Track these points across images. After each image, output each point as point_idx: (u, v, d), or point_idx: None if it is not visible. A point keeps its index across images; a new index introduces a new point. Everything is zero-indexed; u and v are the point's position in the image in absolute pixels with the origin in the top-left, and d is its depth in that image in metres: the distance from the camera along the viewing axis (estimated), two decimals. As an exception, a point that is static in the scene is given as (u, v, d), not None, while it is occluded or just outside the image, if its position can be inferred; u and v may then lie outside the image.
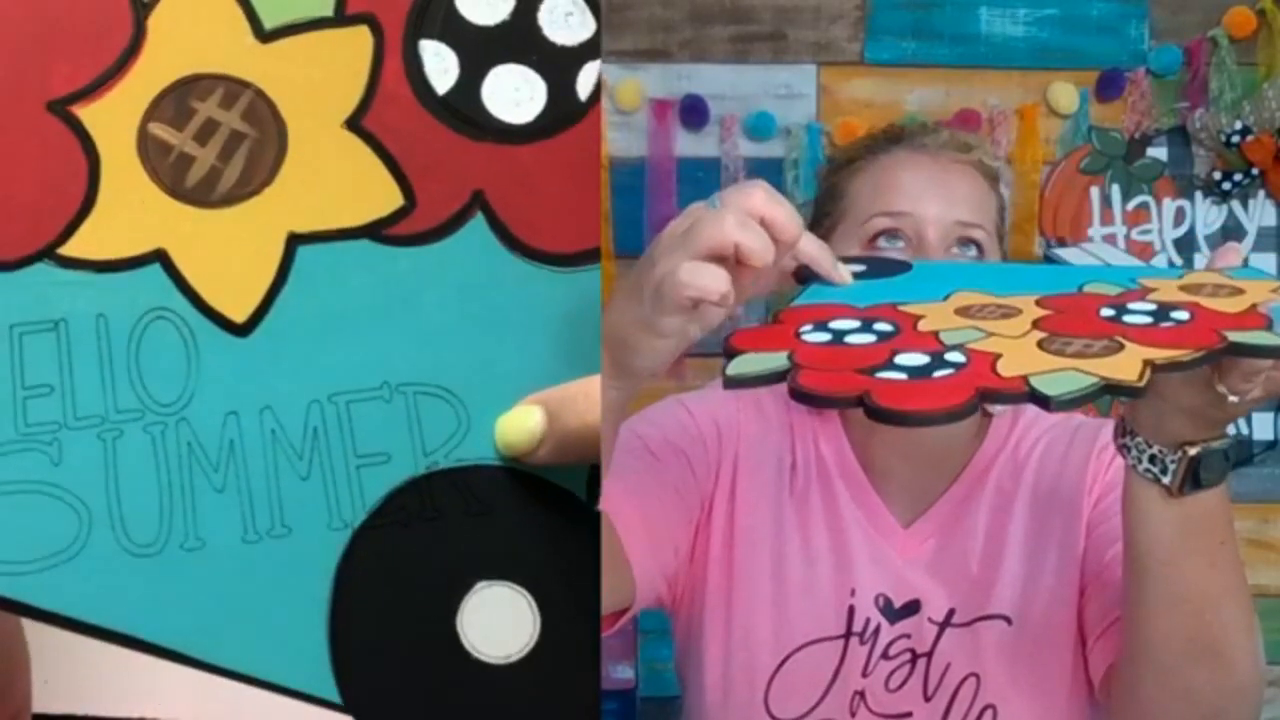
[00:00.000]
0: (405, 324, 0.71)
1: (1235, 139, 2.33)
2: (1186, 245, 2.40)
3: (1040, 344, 0.82)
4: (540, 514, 0.71)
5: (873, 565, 1.35)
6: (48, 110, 0.70)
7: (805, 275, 0.95)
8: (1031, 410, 1.37)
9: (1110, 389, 0.76)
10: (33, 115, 0.70)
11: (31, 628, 0.75)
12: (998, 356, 0.80)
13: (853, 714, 1.32)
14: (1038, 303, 0.90)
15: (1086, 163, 2.40)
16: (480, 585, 0.70)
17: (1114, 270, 0.99)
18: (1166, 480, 1.02)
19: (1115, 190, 2.41)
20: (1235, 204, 2.41)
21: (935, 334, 0.85)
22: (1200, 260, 2.38)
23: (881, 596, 1.34)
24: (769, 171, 2.32)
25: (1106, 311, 0.88)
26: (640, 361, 0.90)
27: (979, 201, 1.35)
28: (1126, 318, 0.86)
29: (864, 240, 1.32)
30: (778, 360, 0.81)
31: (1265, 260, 2.41)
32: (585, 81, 0.72)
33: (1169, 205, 2.41)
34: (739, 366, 0.82)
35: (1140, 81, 2.39)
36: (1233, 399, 0.95)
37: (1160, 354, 0.80)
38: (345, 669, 0.69)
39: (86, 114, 0.70)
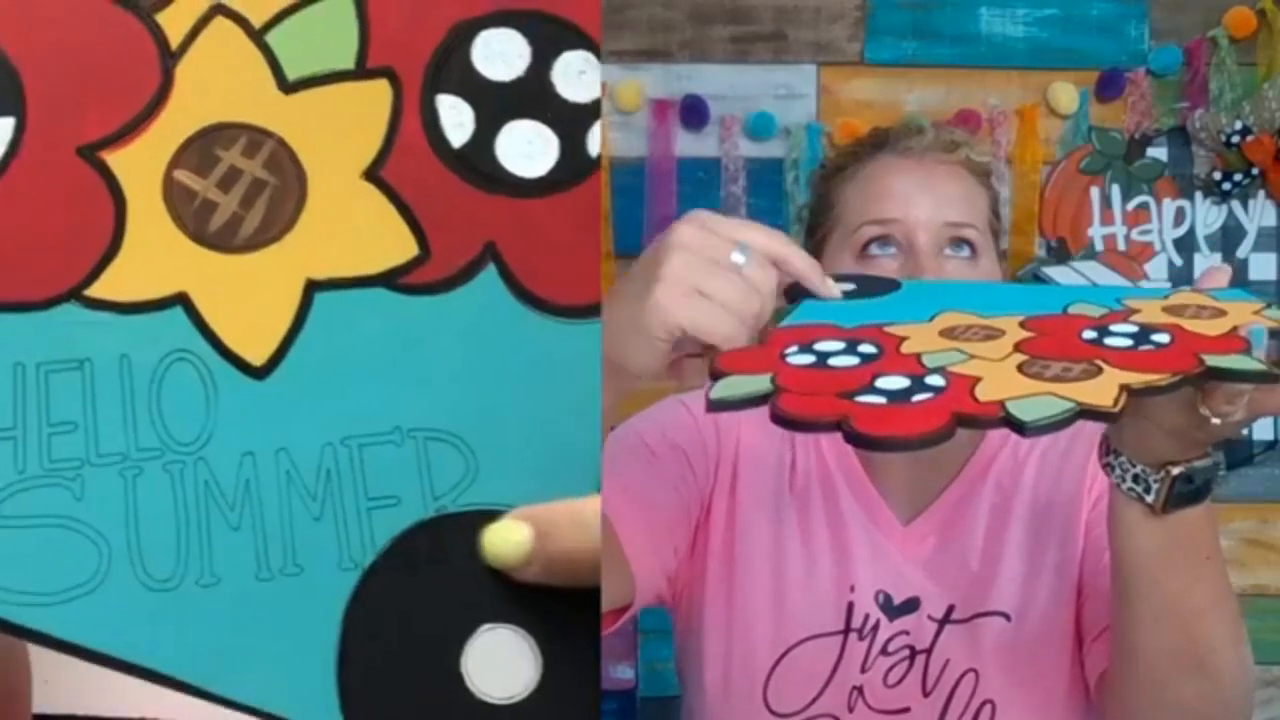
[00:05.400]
0: (417, 371, 0.73)
1: (1235, 139, 2.32)
2: (1186, 245, 2.39)
3: (1020, 367, 0.83)
4: None
5: (872, 562, 1.36)
6: (78, 155, 0.72)
7: (796, 293, 0.96)
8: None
9: (1085, 414, 0.77)
10: (63, 160, 0.72)
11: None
12: (977, 380, 0.81)
13: (851, 709, 1.33)
14: (1021, 324, 0.90)
15: (1086, 163, 2.40)
16: (484, 627, 0.72)
17: (1099, 290, 1.00)
18: (1150, 499, 1.03)
19: (1115, 190, 2.40)
20: (1235, 204, 2.40)
21: (917, 356, 0.85)
22: (1200, 260, 2.38)
23: (881, 593, 1.35)
24: (769, 172, 2.33)
25: (1088, 334, 0.88)
26: (632, 360, 0.92)
27: (968, 200, 1.35)
28: (1108, 340, 0.87)
29: (856, 248, 1.33)
30: (760, 384, 0.82)
31: (1265, 260, 2.40)
32: (595, 137, 0.75)
33: (1169, 205, 2.40)
34: (722, 390, 0.83)
35: (1140, 81, 2.39)
36: (1215, 421, 0.95)
37: (1137, 378, 0.80)
38: (353, 705, 0.71)
39: (114, 160, 0.73)
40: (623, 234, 2.28)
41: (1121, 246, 2.39)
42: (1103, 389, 0.79)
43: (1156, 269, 2.39)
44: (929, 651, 1.33)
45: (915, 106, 2.35)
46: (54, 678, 0.74)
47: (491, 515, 0.72)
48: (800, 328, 0.92)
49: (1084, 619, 1.31)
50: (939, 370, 0.83)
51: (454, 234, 0.74)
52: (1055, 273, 2.36)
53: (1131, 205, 2.41)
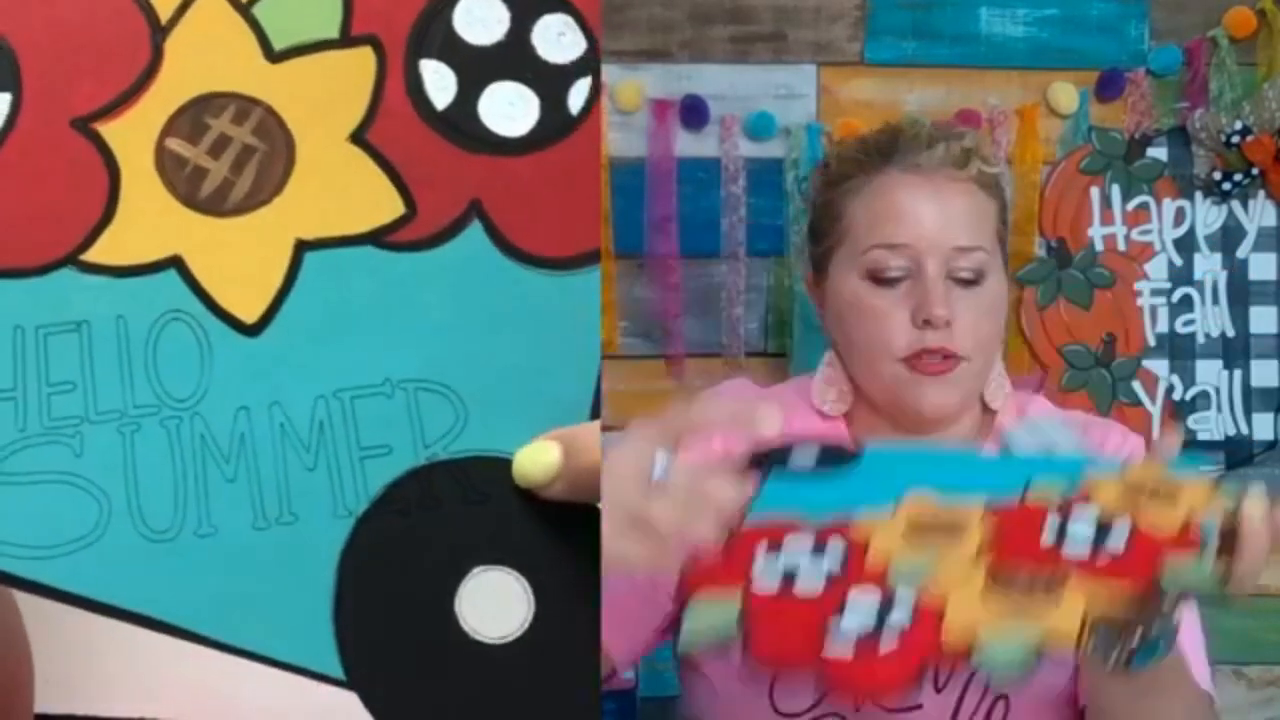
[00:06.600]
0: (406, 324, 0.75)
1: (1235, 139, 2.31)
2: (1186, 245, 2.38)
3: (986, 583, 0.90)
4: (533, 503, 0.74)
5: (879, 560, 1.36)
6: (72, 127, 0.75)
7: (760, 458, 0.99)
8: (1035, 406, 1.41)
9: (1049, 649, 0.86)
10: (58, 131, 0.75)
11: (33, 627, 0.78)
12: (943, 609, 0.88)
13: (859, 708, 1.32)
14: (983, 518, 0.96)
15: (1086, 163, 2.38)
16: (477, 570, 0.74)
17: (1059, 463, 1.04)
18: (1109, 663, 0.99)
19: (1115, 190, 2.38)
20: (1235, 204, 2.37)
21: (883, 572, 0.91)
22: (1200, 260, 2.38)
23: None
24: (769, 172, 2.31)
25: (1048, 538, 0.94)
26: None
27: (977, 219, 1.35)
28: (1067, 546, 0.93)
29: (863, 270, 1.33)
30: (729, 615, 0.89)
31: (1265, 260, 2.38)
32: (577, 96, 0.77)
33: (1169, 205, 2.38)
34: (691, 623, 0.90)
35: (1140, 81, 2.38)
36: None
37: (1097, 604, 0.88)
38: (349, 648, 0.73)
39: (108, 130, 0.75)
40: (623, 234, 2.25)
41: (1121, 246, 2.38)
42: (1066, 617, 0.88)
43: (1156, 269, 2.38)
44: None
45: (915, 106, 2.33)
46: (54, 677, 0.75)
47: (481, 461, 0.74)
48: (768, 525, 0.95)
49: None
50: (906, 598, 0.89)
51: (439, 192, 0.76)
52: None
53: (1131, 205, 2.39)
